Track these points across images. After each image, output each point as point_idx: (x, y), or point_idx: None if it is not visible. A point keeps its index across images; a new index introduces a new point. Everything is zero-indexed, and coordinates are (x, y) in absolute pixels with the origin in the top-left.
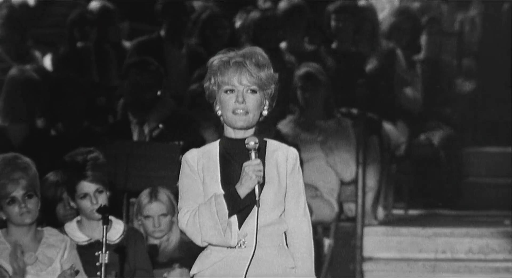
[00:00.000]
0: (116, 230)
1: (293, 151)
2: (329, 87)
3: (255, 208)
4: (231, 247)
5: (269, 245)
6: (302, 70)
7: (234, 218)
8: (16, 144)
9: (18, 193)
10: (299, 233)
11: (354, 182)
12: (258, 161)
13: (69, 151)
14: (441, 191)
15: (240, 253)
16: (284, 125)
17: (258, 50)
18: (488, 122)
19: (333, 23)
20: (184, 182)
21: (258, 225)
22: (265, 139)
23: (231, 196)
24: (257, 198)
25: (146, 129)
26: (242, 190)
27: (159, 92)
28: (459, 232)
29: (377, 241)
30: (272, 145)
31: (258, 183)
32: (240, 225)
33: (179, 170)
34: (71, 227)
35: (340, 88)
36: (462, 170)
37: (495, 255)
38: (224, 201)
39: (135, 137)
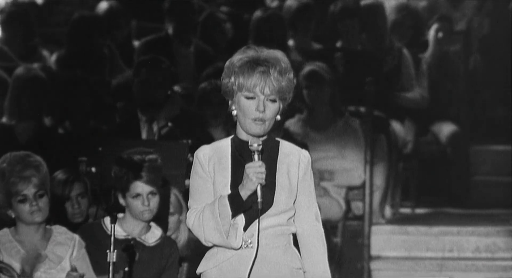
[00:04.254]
0: (154, 234)
1: (305, 155)
2: (334, 85)
3: (268, 212)
4: (239, 247)
5: (275, 245)
6: (306, 69)
7: (242, 219)
8: (23, 142)
9: (30, 191)
10: (312, 237)
11: (363, 183)
12: (260, 163)
13: (77, 149)
14: (448, 190)
15: (246, 253)
16: (292, 124)
17: (280, 55)
18: (495, 120)
19: (337, 23)
20: (195, 181)
21: (266, 226)
22: (278, 139)
23: (234, 197)
24: (259, 200)
25: (155, 127)
26: (244, 192)
27: (169, 91)
28: (466, 231)
29: (384, 240)
30: (285, 147)
31: (261, 185)
32: (247, 226)
33: (187, 169)
34: None
35: (348, 87)
36: (469, 168)
37: (502, 253)
38: (227, 202)
39: (144, 135)
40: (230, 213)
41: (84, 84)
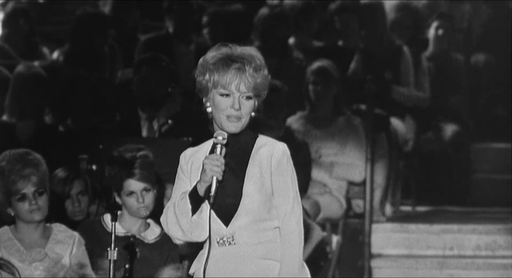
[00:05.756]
0: (153, 231)
1: (279, 147)
2: (340, 84)
3: (241, 206)
4: (221, 244)
5: (260, 241)
6: (315, 65)
7: (206, 213)
8: (24, 140)
9: (29, 189)
10: (285, 230)
11: (363, 180)
12: (218, 156)
13: (78, 147)
14: (449, 188)
15: (230, 250)
16: (294, 121)
17: (254, 51)
18: (496, 118)
19: (336, 22)
20: (175, 181)
21: (247, 222)
22: (259, 134)
23: (192, 192)
24: (211, 194)
25: (156, 125)
26: (199, 185)
27: (169, 89)
28: (467, 229)
29: (385, 238)
30: (261, 141)
31: (217, 179)
32: (227, 223)
33: None
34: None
35: (349, 85)
36: (470, 166)
37: (503, 251)
38: (187, 197)
39: (145, 133)
40: (189, 207)
41: (85, 82)
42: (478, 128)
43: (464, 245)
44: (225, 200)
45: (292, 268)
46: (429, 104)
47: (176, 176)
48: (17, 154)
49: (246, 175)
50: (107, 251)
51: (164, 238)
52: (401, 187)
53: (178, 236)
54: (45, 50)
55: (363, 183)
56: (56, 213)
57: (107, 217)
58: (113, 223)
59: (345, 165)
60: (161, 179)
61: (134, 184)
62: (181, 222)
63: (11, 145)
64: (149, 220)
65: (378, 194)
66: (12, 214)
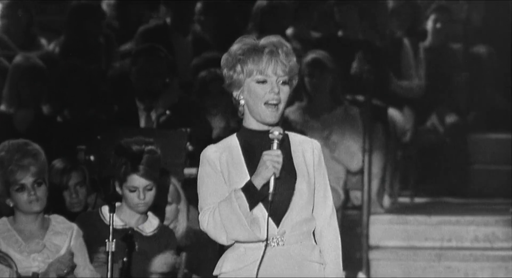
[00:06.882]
0: (152, 223)
1: (317, 143)
2: (336, 75)
3: (293, 203)
4: (268, 244)
5: (305, 243)
6: (309, 57)
7: (263, 212)
8: (21, 130)
9: (28, 180)
10: (329, 231)
11: (360, 169)
12: (279, 152)
13: (76, 137)
14: (447, 179)
15: (279, 251)
16: (291, 113)
17: (280, 38)
18: (495, 109)
19: (336, 13)
20: (205, 181)
21: (296, 223)
22: (286, 131)
23: (248, 188)
24: (270, 191)
25: (153, 116)
26: (258, 180)
27: (167, 79)
28: (465, 220)
29: (383, 229)
30: (296, 137)
31: (275, 175)
32: (278, 223)
33: (186, 157)
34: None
35: (346, 75)
36: (468, 157)
37: (501, 243)
38: (243, 194)
39: (142, 123)
40: (247, 204)
41: (82, 72)
42: (477, 119)
43: (462, 236)
44: (275, 198)
45: (339, 270)
46: (425, 93)
47: (203, 174)
48: (16, 144)
49: (296, 170)
50: (105, 243)
51: (162, 230)
52: (399, 178)
53: (240, 236)
54: (43, 41)
55: (360, 173)
56: (54, 204)
57: (105, 209)
58: (111, 214)
59: (343, 152)
60: (167, 171)
61: (137, 180)
62: (245, 219)
63: (8, 135)
64: (148, 212)
65: (375, 185)
66: (11, 204)
